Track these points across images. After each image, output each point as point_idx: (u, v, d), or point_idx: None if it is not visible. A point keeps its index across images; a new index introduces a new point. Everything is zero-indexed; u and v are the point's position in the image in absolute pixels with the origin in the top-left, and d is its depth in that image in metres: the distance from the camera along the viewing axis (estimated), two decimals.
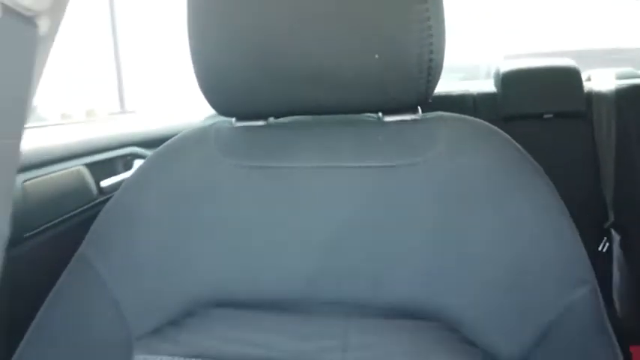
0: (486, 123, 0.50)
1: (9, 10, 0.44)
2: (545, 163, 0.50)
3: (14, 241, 0.60)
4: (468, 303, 0.41)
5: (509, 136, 0.49)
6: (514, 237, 0.42)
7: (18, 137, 0.47)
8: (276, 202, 0.47)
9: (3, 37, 0.44)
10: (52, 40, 0.54)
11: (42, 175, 0.68)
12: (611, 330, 0.39)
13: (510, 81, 1.35)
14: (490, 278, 0.42)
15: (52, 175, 0.71)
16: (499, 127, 0.50)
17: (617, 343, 0.39)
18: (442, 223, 0.44)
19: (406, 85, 0.46)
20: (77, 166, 0.77)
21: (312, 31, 0.45)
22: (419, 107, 0.51)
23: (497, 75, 1.39)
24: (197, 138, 0.52)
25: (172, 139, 0.53)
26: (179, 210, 0.48)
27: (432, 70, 0.45)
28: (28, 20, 0.47)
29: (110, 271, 0.46)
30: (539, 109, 1.31)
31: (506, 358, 0.39)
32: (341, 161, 0.48)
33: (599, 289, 0.41)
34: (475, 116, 0.52)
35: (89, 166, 0.80)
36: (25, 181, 0.64)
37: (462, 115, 0.51)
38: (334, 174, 0.47)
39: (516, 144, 0.49)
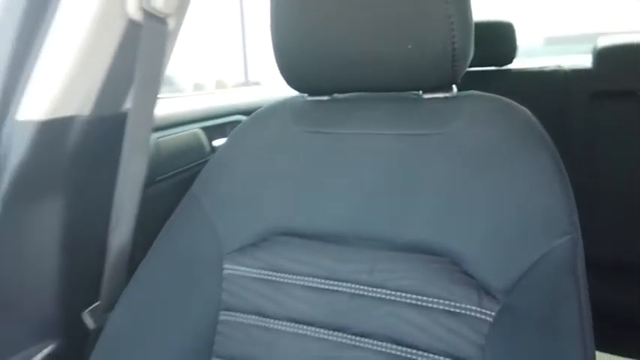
0: (508, 101, 0.58)
1: (147, 14, 0.62)
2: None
3: (148, 183, 0.81)
4: (469, 244, 0.51)
5: (526, 111, 0.57)
6: (511, 192, 0.51)
7: (152, 105, 0.66)
8: (330, 159, 0.61)
9: (145, 32, 0.62)
10: (178, 33, 0.73)
11: (170, 135, 0.89)
12: (583, 278, 0.47)
13: (606, 56, 1.31)
14: (489, 226, 0.51)
15: (178, 134, 0.91)
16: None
17: (586, 288, 0.46)
18: (455, 182, 0.54)
19: (436, 68, 0.56)
20: (196, 129, 0.97)
21: (363, 26, 0.57)
22: (454, 86, 0.60)
23: (594, 50, 1.35)
24: (276, 109, 0.67)
25: (258, 110, 0.69)
26: (259, 162, 0.64)
27: (457, 56, 0.55)
28: (160, 20, 0.65)
29: (210, 203, 0.63)
30: (634, 85, 1.25)
31: (496, 289, 0.49)
32: (382, 129, 0.60)
33: (581, 241, 0.48)
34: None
35: (205, 129, 1.00)
36: (159, 138, 0.85)
37: (490, 95, 0.59)
38: (376, 139, 0.59)
39: (531, 118, 0.56)
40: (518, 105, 0.58)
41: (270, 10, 0.62)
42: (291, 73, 0.64)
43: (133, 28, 0.63)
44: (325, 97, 0.67)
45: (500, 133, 0.55)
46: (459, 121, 0.57)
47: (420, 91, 0.62)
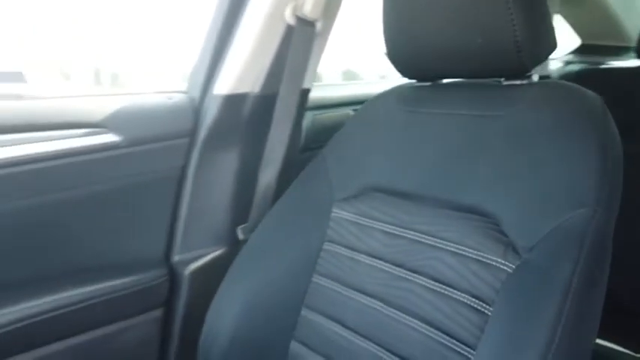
0: (580, 89, 0.63)
1: (299, 19, 0.85)
2: None
3: (303, 150, 1.05)
4: (509, 209, 0.60)
5: (593, 100, 0.61)
6: (549, 168, 0.58)
7: (298, 89, 0.88)
8: (418, 133, 0.74)
9: (296, 32, 0.85)
10: (327, 33, 0.94)
11: (325, 114, 1.11)
12: (596, 248, 0.51)
13: None
14: (526, 194, 0.59)
15: (332, 114, 1.13)
16: None
17: (595, 259, 0.51)
18: (507, 156, 0.62)
19: (505, 59, 0.64)
20: (346, 110, 1.17)
21: (449, 24, 0.68)
22: (533, 75, 0.67)
23: None
24: (388, 93, 0.83)
25: (379, 93, 0.85)
26: (369, 133, 0.80)
27: (522, 48, 0.62)
28: (309, 24, 0.87)
29: (331, 162, 0.83)
30: None
31: (521, 247, 0.57)
32: (463, 110, 0.71)
33: (602, 217, 0.53)
34: None
35: (353, 110, 1.20)
36: (315, 115, 1.08)
37: (568, 83, 0.65)
38: (456, 118, 0.71)
39: (595, 106, 0.61)
40: (590, 94, 0.62)
41: (383, 14, 0.77)
42: (399, 64, 0.79)
43: (289, 29, 0.86)
44: (426, 83, 0.80)
45: (556, 116, 0.61)
46: (517, 106, 0.65)
47: (502, 79, 0.70)
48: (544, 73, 1.54)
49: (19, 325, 0.72)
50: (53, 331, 0.76)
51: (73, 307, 0.77)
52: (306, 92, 0.96)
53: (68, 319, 0.77)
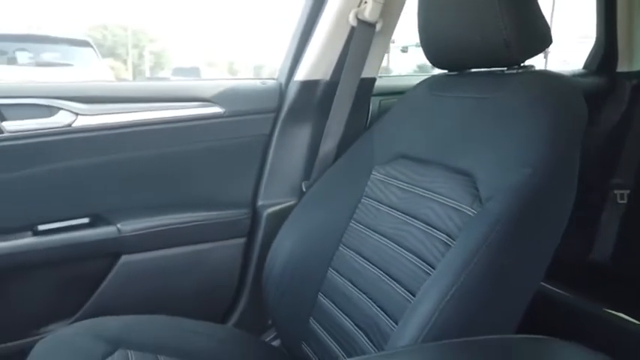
0: (561, 77, 0.76)
1: (360, 21, 1.08)
2: None
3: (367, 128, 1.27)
4: (484, 170, 0.76)
5: (570, 88, 0.74)
6: (511, 139, 0.73)
7: (357, 79, 1.11)
8: (437, 111, 0.92)
9: (356, 32, 1.08)
10: (389, 33, 1.15)
11: (390, 99, 1.31)
12: (539, 206, 0.67)
13: None
14: (493, 159, 0.74)
15: (394, 99, 1.33)
16: None
17: (542, 216, 0.66)
18: (489, 129, 0.78)
19: (498, 52, 0.80)
20: None
21: (464, 24, 0.85)
22: (528, 65, 0.82)
23: None
24: (423, 82, 1.01)
25: (417, 83, 1.04)
26: (406, 112, 1.00)
27: (510, 43, 0.77)
28: (369, 25, 1.09)
29: (377, 135, 1.03)
30: None
31: (484, 198, 0.73)
32: (471, 94, 0.87)
33: (541, 178, 0.68)
34: None
35: None
36: (381, 100, 1.29)
37: (554, 72, 0.78)
38: (465, 100, 0.87)
39: (567, 92, 0.74)
40: (567, 82, 0.76)
41: (418, 19, 0.96)
42: (430, 57, 0.97)
43: (352, 30, 1.10)
44: (452, 73, 0.97)
45: (532, 97, 0.76)
46: (508, 89, 0.80)
47: (505, 68, 0.85)
48: (638, 67, 1.55)
49: (150, 230, 1.07)
50: (171, 239, 1.10)
51: (185, 225, 1.11)
52: (369, 81, 1.19)
53: (181, 233, 1.11)
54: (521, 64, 0.84)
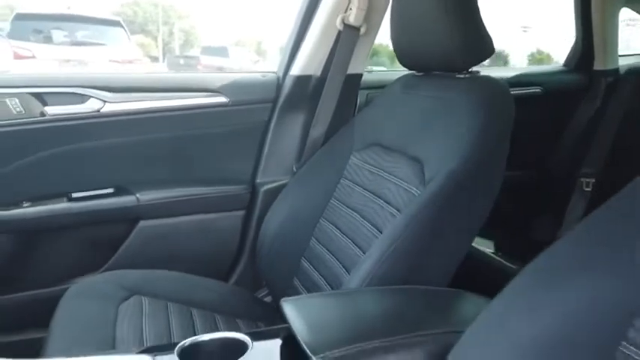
0: (496, 82, 0.92)
1: (346, 25, 1.24)
2: None
3: None
4: (430, 157, 0.92)
5: (501, 92, 0.90)
6: (449, 134, 0.89)
7: (342, 75, 1.28)
8: (403, 106, 1.08)
9: (342, 35, 1.25)
10: (372, 35, 1.31)
11: (376, 92, 1.47)
12: (457, 191, 0.83)
13: None
14: (436, 149, 0.91)
15: (376, 91, 1.48)
16: None
17: (457, 200, 0.83)
18: (436, 124, 0.95)
19: (451, 60, 0.96)
20: None
21: (428, 32, 1.00)
22: (473, 70, 0.97)
23: None
24: (397, 80, 1.17)
25: (393, 80, 1.19)
26: (382, 106, 1.16)
27: (458, 52, 0.93)
28: (354, 29, 1.25)
29: (357, 125, 1.19)
30: None
31: (426, 181, 0.90)
32: (430, 93, 1.03)
33: (460, 168, 0.84)
34: None
35: None
36: (368, 93, 1.45)
37: (491, 77, 0.94)
38: (423, 98, 1.03)
39: (498, 95, 0.89)
40: (500, 85, 0.92)
41: (391, 27, 1.11)
42: (401, 59, 1.12)
43: (339, 33, 1.26)
44: (420, 74, 1.12)
45: (472, 99, 0.92)
46: (456, 90, 0.96)
47: (457, 73, 1.01)
48: (613, 66, 1.66)
49: (165, 200, 1.28)
50: (181, 208, 1.30)
51: (194, 197, 1.31)
52: (355, 77, 1.36)
53: (190, 203, 1.31)
54: (470, 70, 0.99)
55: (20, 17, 5.94)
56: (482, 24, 0.95)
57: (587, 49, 1.64)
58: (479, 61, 0.96)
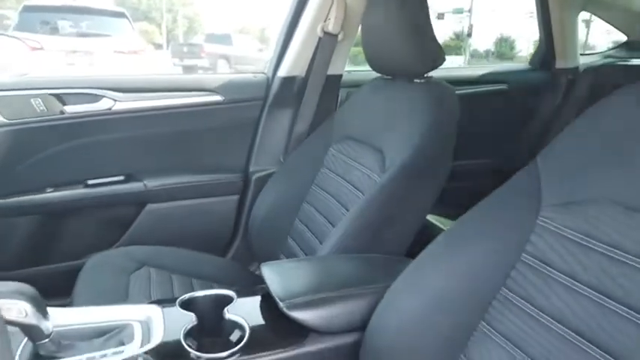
0: (443, 85, 1.09)
1: (325, 33, 1.41)
2: None
3: None
4: (388, 149, 1.10)
5: (448, 94, 1.08)
6: (404, 130, 1.07)
7: (322, 77, 1.46)
8: (374, 105, 1.25)
9: (322, 42, 1.42)
10: (350, 41, 1.48)
11: (353, 89, 1.64)
12: (412, 176, 1.02)
13: None
14: (395, 142, 1.09)
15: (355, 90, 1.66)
16: None
17: (411, 183, 1.02)
18: (395, 121, 1.12)
19: (406, 68, 1.13)
20: None
21: (390, 41, 1.17)
22: (427, 75, 1.14)
23: None
24: (370, 81, 1.34)
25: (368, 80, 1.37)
26: (357, 101, 1.34)
27: (413, 62, 1.10)
28: (333, 36, 1.43)
29: (335, 119, 1.39)
30: None
31: (385, 169, 1.08)
32: (393, 94, 1.20)
33: (424, 153, 1.02)
34: None
35: None
36: (348, 92, 1.62)
37: (440, 81, 1.11)
38: (389, 99, 1.20)
39: (446, 97, 1.07)
40: (447, 88, 1.10)
41: (362, 35, 1.28)
42: (371, 64, 1.29)
43: (320, 39, 1.43)
44: (388, 77, 1.29)
45: (423, 99, 1.09)
46: (415, 92, 1.13)
47: (415, 78, 1.18)
48: (573, 64, 1.82)
49: (168, 187, 1.47)
50: (182, 193, 1.49)
51: (193, 183, 1.50)
52: (335, 77, 1.53)
53: (190, 189, 1.50)
54: (425, 75, 1.17)
55: (28, 9, 6.10)
56: (434, 37, 1.13)
57: (549, 49, 1.80)
58: (432, 68, 1.14)
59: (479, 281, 0.70)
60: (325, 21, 1.42)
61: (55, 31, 6.21)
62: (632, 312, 0.54)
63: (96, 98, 1.39)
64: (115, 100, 1.40)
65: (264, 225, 1.39)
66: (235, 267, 1.46)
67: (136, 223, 1.47)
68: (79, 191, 1.41)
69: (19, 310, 0.62)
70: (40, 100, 1.33)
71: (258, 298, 0.88)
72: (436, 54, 1.13)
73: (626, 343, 0.53)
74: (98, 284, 1.19)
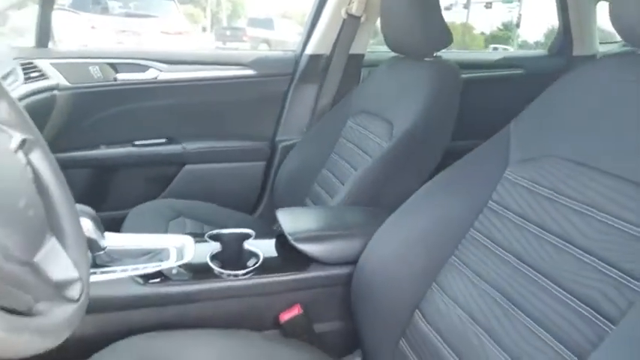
0: (447, 64, 1.22)
1: (349, 15, 1.55)
2: None
3: None
4: (396, 121, 1.24)
5: (452, 73, 1.20)
6: (409, 104, 1.21)
7: (345, 55, 1.60)
8: (388, 80, 1.39)
9: (346, 23, 1.56)
10: (372, 23, 1.61)
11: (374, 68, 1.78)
12: (413, 143, 1.16)
13: None
14: (403, 113, 1.22)
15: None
16: None
17: (413, 148, 1.16)
18: (405, 94, 1.26)
19: (418, 48, 1.26)
20: None
21: (407, 19, 1.30)
22: (436, 54, 1.27)
23: None
24: (386, 60, 1.47)
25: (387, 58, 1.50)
26: (373, 79, 1.48)
27: (421, 41, 1.23)
28: (356, 18, 1.56)
29: (353, 95, 1.53)
30: None
31: (392, 138, 1.22)
32: (408, 70, 1.33)
33: (426, 122, 1.16)
34: None
35: None
36: (370, 70, 1.76)
37: (445, 61, 1.24)
38: (403, 73, 1.34)
39: (449, 75, 1.20)
40: (451, 68, 1.22)
41: (381, 15, 1.41)
42: (388, 44, 1.42)
43: (344, 21, 1.57)
44: (402, 56, 1.42)
45: (429, 76, 1.22)
46: (423, 70, 1.26)
47: (425, 57, 1.31)
48: (591, 52, 1.89)
49: (203, 150, 1.65)
50: (216, 157, 1.67)
51: (226, 148, 1.68)
52: (358, 57, 1.67)
53: (223, 153, 1.68)
54: (434, 55, 1.29)
55: None
56: (442, 20, 1.25)
57: (567, 36, 1.87)
58: (440, 48, 1.26)
59: (451, 223, 0.83)
60: (349, 4, 1.55)
61: (105, 10, 6.54)
62: (567, 244, 0.65)
63: (144, 68, 1.58)
64: (160, 71, 1.59)
65: (286, 188, 1.56)
66: (260, 224, 1.64)
67: (175, 180, 1.66)
68: (127, 150, 1.61)
69: (83, 225, 0.80)
70: (97, 67, 1.53)
71: (272, 237, 1.04)
72: (444, 35, 1.25)
73: (557, 264, 0.64)
74: (141, 228, 1.37)
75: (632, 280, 0.57)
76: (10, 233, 0.47)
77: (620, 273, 0.58)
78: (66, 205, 0.63)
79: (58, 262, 0.55)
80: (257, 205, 1.76)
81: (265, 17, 14.09)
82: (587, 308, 0.60)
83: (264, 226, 1.62)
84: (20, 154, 0.57)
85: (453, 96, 1.22)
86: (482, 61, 1.94)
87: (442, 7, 1.27)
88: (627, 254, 0.58)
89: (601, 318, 0.58)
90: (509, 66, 1.89)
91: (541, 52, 2.01)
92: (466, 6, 14.08)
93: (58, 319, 0.48)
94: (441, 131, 1.22)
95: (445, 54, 1.36)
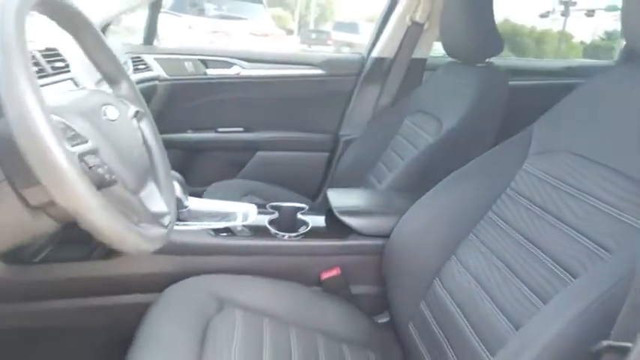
0: (494, 71, 1.33)
1: (413, 22, 1.70)
2: None
3: None
4: (445, 119, 1.36)
5: (499, 80, 1.31)
6: (462, 104, 1.33)
7: (407, 59, 1.74)
8: (445, 83, 1.51)
9: (409, 29, 1.71)
10: (434, 30, 1.74)
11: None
12: (466, 137, 1.28)
13: None
14: (452, 111, 1.34)
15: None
16: None
17: (465, 142, 1.28)
18: (457, 95, 1.38)
19: (470, 55, 1.38)
20: None
21: (463, 27, 1.42)
22: (488, 60, 1.38)
23: None
24: (443, 65, 1.59)
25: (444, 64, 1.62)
26: (432, 81, 1.61)
27: (475, 49, 1.35)
28: (419, 25, 1.70)
29: (412, 96, 1.66)
30: None
31: (441, 134, 1.35)
32: (459, 75, 1.45)
33: (470, 123, 1.28)
34: None
35: None
36: (431, 73, 1.88)
37: (495, 67, 1.35)
38: (457, 78, 1.46)
39: (492, 80, 1.31)
40: (501, 74, 1.33)
41: (441, 22, 1.53)
42: (446, 50, 1.54)
43: (408, 27, 1.71)
44: (458, 61, 1.53)
45: (478, 81, 1.34)
46: (475, 75, 1.38)
47: (477, 62, 1.42)
48: None
49: (275, 139, 1.86)
50: (285, 146, 1.88)
51: (294, 139, 1.88)
52: (420, 61, 1.80)
53: (291, 143, 1.88)
54: (486, 61, 1.41)
55: None
56: (495, 28, 1.36)
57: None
58: (492, 55, 1.37)
59: (473, 205, 0.96)
60: (414, 12, 1.69)
61: (201, 12, 7.05)
62: (561, 223, 0.76)
63: (229, 65, 1.82)
64: (243, 68, 1.82)
65: (345, 178, 1.73)
66: (319, 209, 1.82)
67: (248, 164, 1.88)
68: (211, 135, 1.85)
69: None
70: (190, 62, 1.78)
71: (322, 212, 1.22)
72: (495, 43, 1.36)
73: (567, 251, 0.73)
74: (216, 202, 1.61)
75: (602, 251, 0.68)
76: (128, 171, 0.68)
77: (595, 245, 0.70)
78: (162, 163, 0.85)
79: (155, 200, 0.76)
80: (318, 192, 1.95)
81: (351, 21, 14.35)
82: (567, 274, 0.71)
83: (322, 212, 1.80)
84: (134, 121, 0.79)
85: (498, 100, 1.32)
86: (545, 69, 1.99)
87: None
88: (606, 231, 0.69)
89: (575, 281, 0.69)
90: (573, 75, 1.93)
91: (609, 62, 2.02)
92: (564, 13, 13.43)
93: (154, 235, 0.69)
94: (483, 132, 1.33)
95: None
